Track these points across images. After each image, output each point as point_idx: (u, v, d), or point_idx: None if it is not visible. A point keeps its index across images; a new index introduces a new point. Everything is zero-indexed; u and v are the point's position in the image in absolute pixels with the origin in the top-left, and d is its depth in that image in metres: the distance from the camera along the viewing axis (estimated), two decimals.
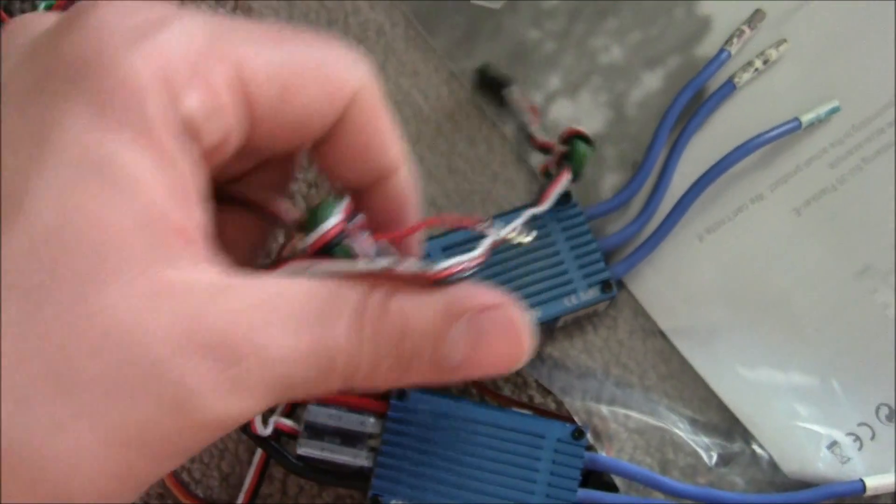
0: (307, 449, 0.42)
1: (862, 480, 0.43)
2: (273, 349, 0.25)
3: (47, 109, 0.24)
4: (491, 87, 0.48)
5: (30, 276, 0.23)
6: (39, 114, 0.24)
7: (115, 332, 0.23)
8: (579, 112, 0.50)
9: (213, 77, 0.26)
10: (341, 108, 0.30)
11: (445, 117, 0.49)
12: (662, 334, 0.47)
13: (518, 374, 0.46)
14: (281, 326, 0.26)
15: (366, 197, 0.33)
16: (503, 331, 0.28)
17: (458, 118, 0.49)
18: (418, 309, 0.28)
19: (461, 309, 0.28)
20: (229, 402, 0.25)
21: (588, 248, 0.45)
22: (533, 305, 0.44)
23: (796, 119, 0.48)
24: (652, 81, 0.50)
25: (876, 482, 0.43)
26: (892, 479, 0.43)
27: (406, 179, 0.34)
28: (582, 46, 0.50)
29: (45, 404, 0.23)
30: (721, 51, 0.49)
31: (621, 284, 0.47)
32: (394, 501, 0.42)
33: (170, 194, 0.25)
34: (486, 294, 0.29)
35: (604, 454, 0.44)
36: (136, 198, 0.24)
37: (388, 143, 0.32)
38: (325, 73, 0.29)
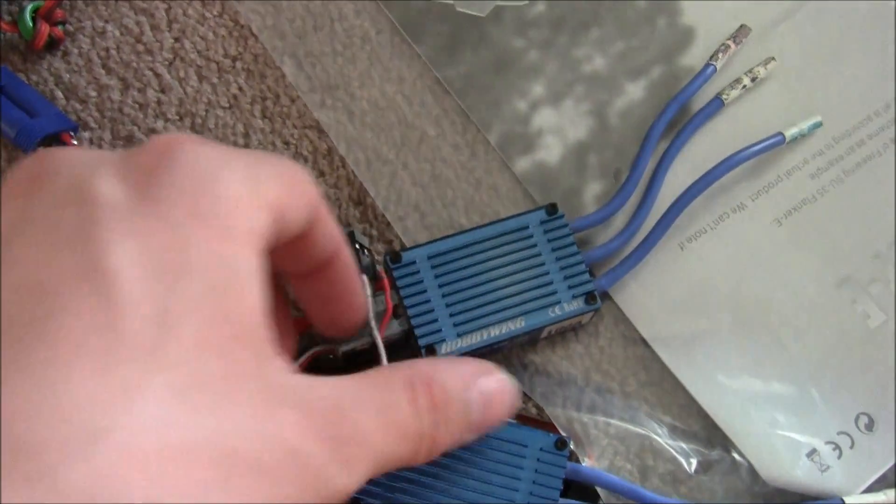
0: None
1: (841, 499, 0.43)
2: (369, 431, 0.29)
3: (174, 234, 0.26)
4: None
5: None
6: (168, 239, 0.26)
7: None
8: (562, 120, 0.50)
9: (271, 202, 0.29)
10: (313, 216, 0.32)
11: (430, 123, 0.49)
12: (643, 341, 0.47)
13: None
14: (364, 411, 0.29)
15: (315, 278, 0.36)
16: (501, 391, 0.35)
17: (443, 125, 0.49)
18: (450, 377, 0.33)
19: (474, 375, 0.34)
20: (350, 477, 0.29)
21: (573, 260, 0.45)
22: (517, 315, 0.44)
23: (780, 134, 0.48)
24: (635, 91, 0.50)
25: (854, 501, 0.43)
26: (871, 501, 0.43)
27: (347, 254, 0.37)
28: (565, 56, 0.51)
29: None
30: (707, 65, 0.49)
31: (606, 296, 0.47)
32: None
33: (263, 305, 0.28)
34: (482, 363, 0.35)
35: (586, 463, 0.44)
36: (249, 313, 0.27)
37: (335, 231, 0.35)
38: (303, 189, 0.31)
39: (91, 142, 0.49)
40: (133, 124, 0.49)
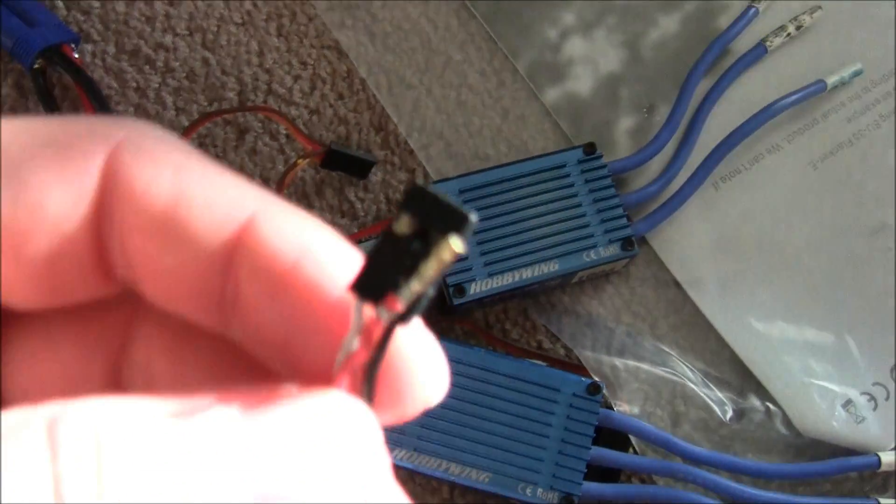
0: None
1: (877, 455, 0.42)
2: None
3: None
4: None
5: None
6: None
7: None
8: (594, 51, 0.47)
9: None
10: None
11: (456, 48, 0.47)
12: (675, 283, 0.45)
13: (527, 318, 0.44)
14: None
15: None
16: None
17: (469, 50, 0.47)
18: None
19: None
20: None
21: (611, 203, 0.43)
22: (551, 258, 0.42)
23: (822, 81, 0.47)
24: (668, 24, 0.48)
25: (891, 458, 0.42)
26: None
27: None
28: None
29: None
30: (749, 7, 0.48)
31: (641, 241, 0.45)
32: (396, 451, 0.40)
33: None
34: None
35: (617, 410, 0.42)
36: None
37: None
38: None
39: (94, 55, 0.46)
40: (139, 38, 0.46)
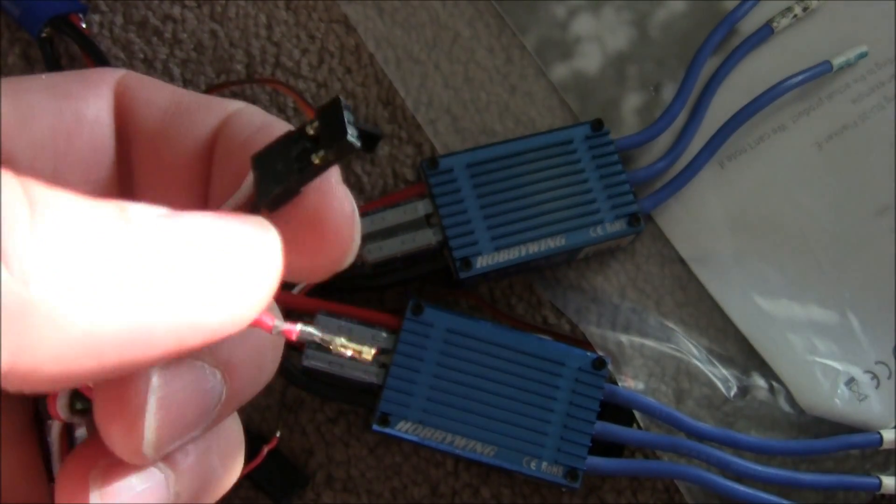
0: (313, 361, 0.40)
1: (879, 433, 0.42)
2: None
3: None
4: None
5: None
6: None
7: None
8: (602, 28, 0.47)
9: None
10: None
11: (464, 24, 0.47)
12: (681, 261, 0.45)
13: (532, 293, 0.44)
14: None
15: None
16: None
17: (477, 26, 0.47)
18: None
19: None
20: None
21: (618, 179, 0.43)
22: (558, 233, 0.42)
23: (827, 62, 0.47)
24: (676, 3, 0.48)
25: (892, 435, 0.42)
26: None
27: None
28: None
29: None
30: None
31: (647, 218, 0.45)
32: (401, 423, 0.40)
33: None
34: None
35: (623, 385, 0.42)
36: None
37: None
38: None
39: (101, 25, 0.46)
40: (147, 9, 0.46)
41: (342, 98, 0.21)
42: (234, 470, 0.24)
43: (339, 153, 0.20)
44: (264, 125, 0.24)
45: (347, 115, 0.20)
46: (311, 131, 0.21)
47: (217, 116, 0.24)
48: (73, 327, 0.17)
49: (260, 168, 0.21)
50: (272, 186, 0.21)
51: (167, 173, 0.25)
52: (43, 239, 0.17)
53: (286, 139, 0.21)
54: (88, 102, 0.24)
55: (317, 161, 0.20)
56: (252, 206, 0.22)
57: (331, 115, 0.20)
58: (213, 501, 0.24)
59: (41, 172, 0.23)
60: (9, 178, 0.17)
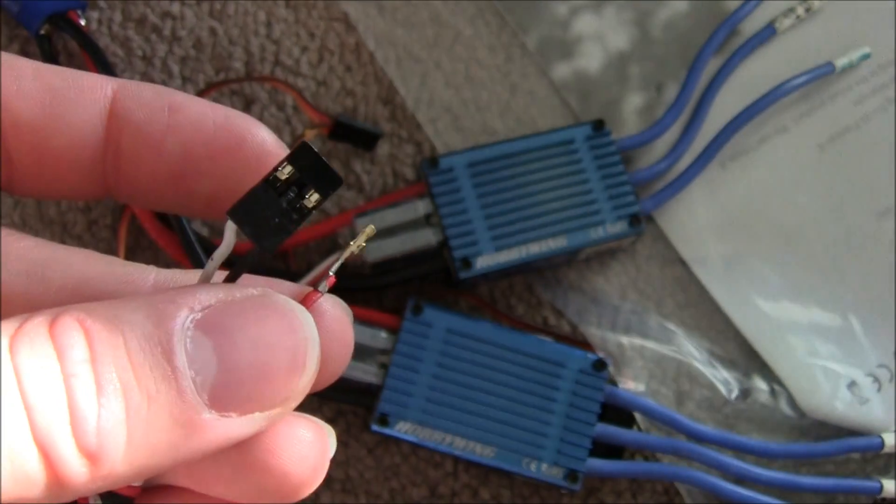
0: None
1: (880, 436, 0.42)
2: None
3: None
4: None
5: None
6: None
7: None
8: (604, 28, 0.47)
9: None
10: None
11: (465, 23, 0.47)
12: (682, 262, 0.45)
13: (532, 294, 0.44)
14: None
15: None
16: None
17: (478, 25, 0.47)
18: None
19: None
20: None
21: (619, 180, 0.43)
22: (559, 233, 0.42)
23: (830, 63, 0.47)
24: (678, 3, 0.48)
25: (893, 439, 0.42)
26: None
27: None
28: None
29: None
30: None
31: (648, 219, 0.45)
32: (400, 424, 0.39)
33: None
34: None
35: (623, 387, 0.42)
36: None
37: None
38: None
39: (100, 22, 0.46)
40: (146, 6, 0.46)
41: (307, 141, 0.22)
42: None
43: (330, 188, 0.21)
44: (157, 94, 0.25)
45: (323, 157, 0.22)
46: (283, 176, 0.21)
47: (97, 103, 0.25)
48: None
49: (243, 219, 0.21)
50: (268, 235, 0.21)
51: (56, 162, 0.25)
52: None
53: (261, 188, 0.21)
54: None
55: (310, 204, 0.21)
56: (247, 260, 0.23)
57: (306, 157, 0.21)
58: None
59: None
60: None
